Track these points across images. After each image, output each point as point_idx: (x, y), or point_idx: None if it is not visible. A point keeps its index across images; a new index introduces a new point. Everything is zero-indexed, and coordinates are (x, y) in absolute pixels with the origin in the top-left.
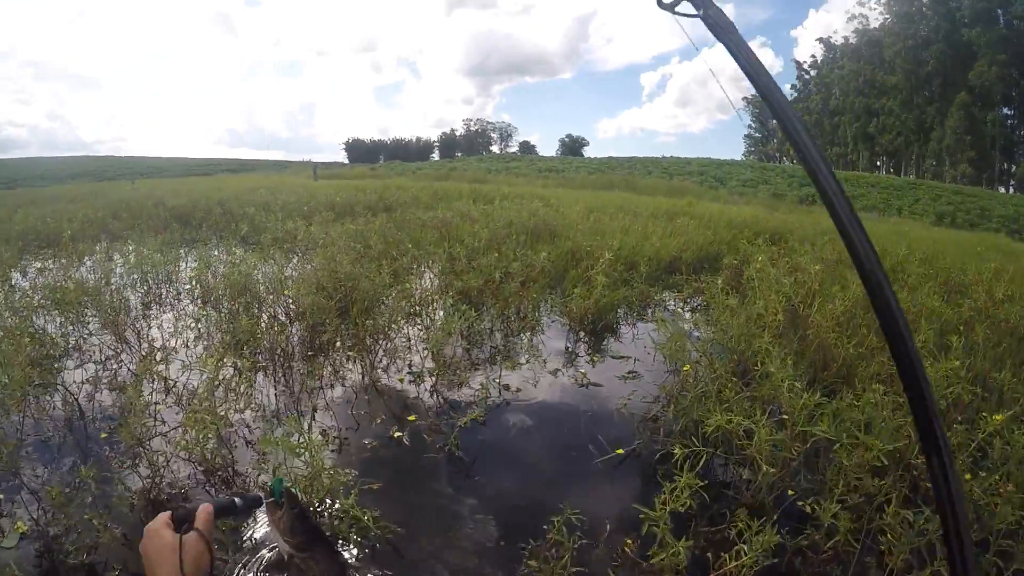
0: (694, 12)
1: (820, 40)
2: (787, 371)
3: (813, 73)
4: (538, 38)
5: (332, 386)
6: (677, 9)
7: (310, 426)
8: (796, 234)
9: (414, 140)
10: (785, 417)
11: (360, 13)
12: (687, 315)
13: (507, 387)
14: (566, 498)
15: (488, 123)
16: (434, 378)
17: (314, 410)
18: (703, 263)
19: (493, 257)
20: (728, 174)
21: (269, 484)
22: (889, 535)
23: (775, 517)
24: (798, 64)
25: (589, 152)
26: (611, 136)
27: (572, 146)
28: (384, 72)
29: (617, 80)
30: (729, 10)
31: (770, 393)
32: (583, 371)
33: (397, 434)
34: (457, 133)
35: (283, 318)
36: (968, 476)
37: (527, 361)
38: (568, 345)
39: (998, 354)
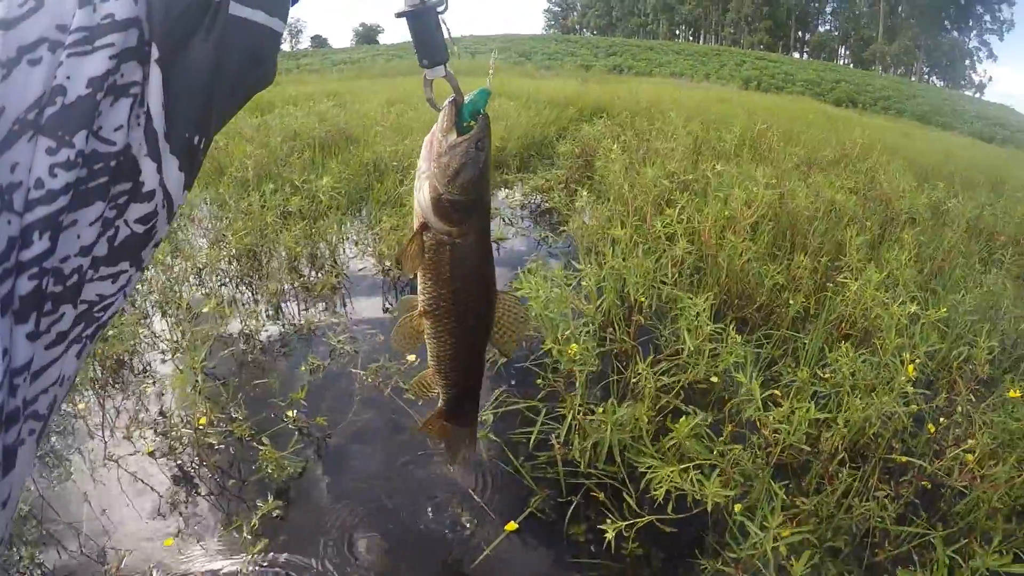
0: None
1: None
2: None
3: None
4: None
5: None
6: None
7: None
8: (619, 106)
9: None
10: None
11: None
12: (537, 234)
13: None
14: None
15: None
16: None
17: None
18: (531, 152)
19: (268, 189)
20: (532, 48)
21: (468, 96)
22: None
23: None
24: None
25: (385, 39)
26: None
27: (367, 35)
28: None
29: None
30: None
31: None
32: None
33: None
34: None
35: None
36: None
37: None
38: (387, 304)
39: None
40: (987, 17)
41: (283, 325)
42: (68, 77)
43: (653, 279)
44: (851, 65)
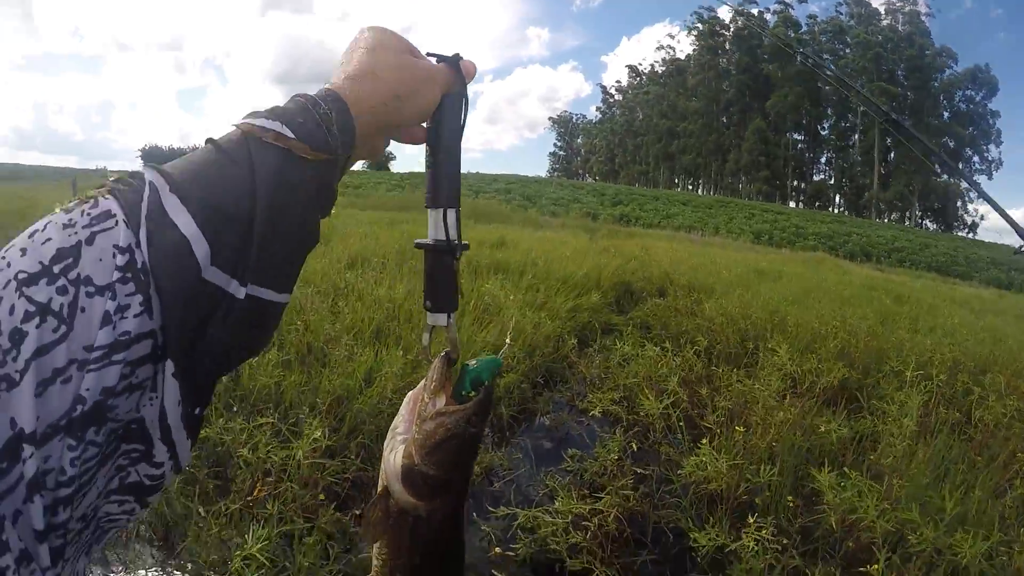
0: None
1: (628, 67)
2: None
3: (619, 97)
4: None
5: None
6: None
7: None
8: (639, 275)
9: None
10: None
11: (167, 6)
12: None
13: None
14: None
15: None
16: None
17: None
18: (541, 376)
19: None
20: (537, 192)
21: (474, 361)
22: None
23: None
24: (603, 88)
25: (396, 167)
26: (418, 151)
27: (379, 160)
28: (188, 73)
29: None
30: (544, 35)
31: None
32: None
33: None
34: None
35: None
36: None
37: None
38: None
39: None
40: (976, 158)
41: None
42: (88, 389)
43: None
44: (845, 212)
